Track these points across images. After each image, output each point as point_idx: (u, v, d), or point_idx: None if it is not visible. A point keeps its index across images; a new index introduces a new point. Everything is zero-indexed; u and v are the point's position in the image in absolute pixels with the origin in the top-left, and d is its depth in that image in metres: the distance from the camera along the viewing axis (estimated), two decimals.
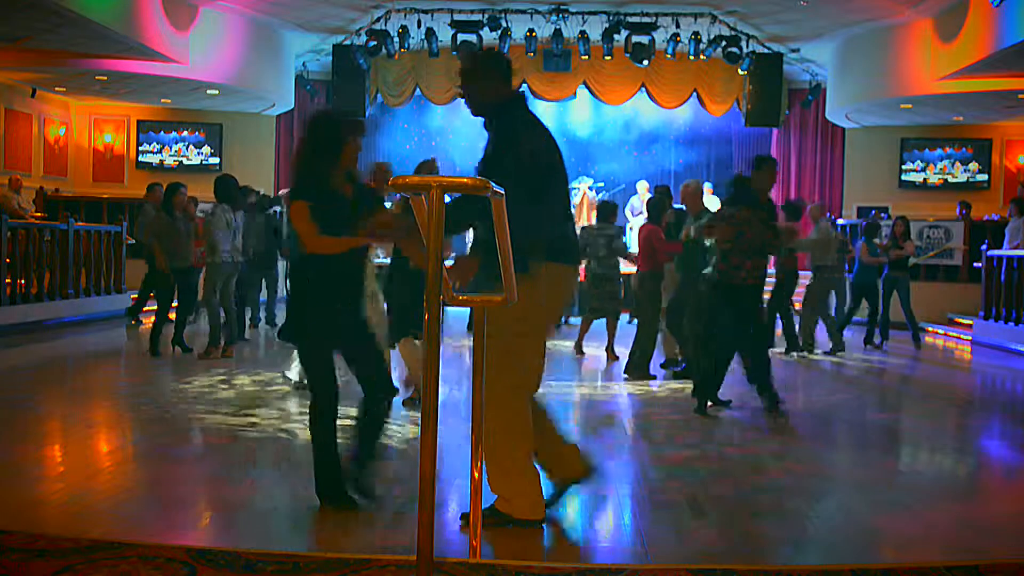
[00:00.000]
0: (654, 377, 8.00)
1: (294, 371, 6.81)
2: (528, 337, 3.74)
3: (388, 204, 6.06)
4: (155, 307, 9.11)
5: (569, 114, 18.91)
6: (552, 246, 3.72)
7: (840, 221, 15.95)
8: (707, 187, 17.27)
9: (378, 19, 15.22)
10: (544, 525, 3.74)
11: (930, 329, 13.45)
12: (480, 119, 3.88)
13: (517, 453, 3.70)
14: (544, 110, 18.96)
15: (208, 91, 15.76)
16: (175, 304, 9.04)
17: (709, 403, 6.39)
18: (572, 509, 4.05)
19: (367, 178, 6.63)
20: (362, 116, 17.31)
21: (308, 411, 3.94)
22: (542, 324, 3.87)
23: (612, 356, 9.06)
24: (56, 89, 16.27)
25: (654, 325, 8.11)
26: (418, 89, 17.39)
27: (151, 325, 8.83)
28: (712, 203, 15.41)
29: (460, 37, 15.08)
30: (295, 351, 6.76)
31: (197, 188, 13.75)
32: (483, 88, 3.79)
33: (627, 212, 16.04)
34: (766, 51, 15.97)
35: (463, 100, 3.86)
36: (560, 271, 3.80)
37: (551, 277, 3.74)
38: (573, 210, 3.88)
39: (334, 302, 3.86)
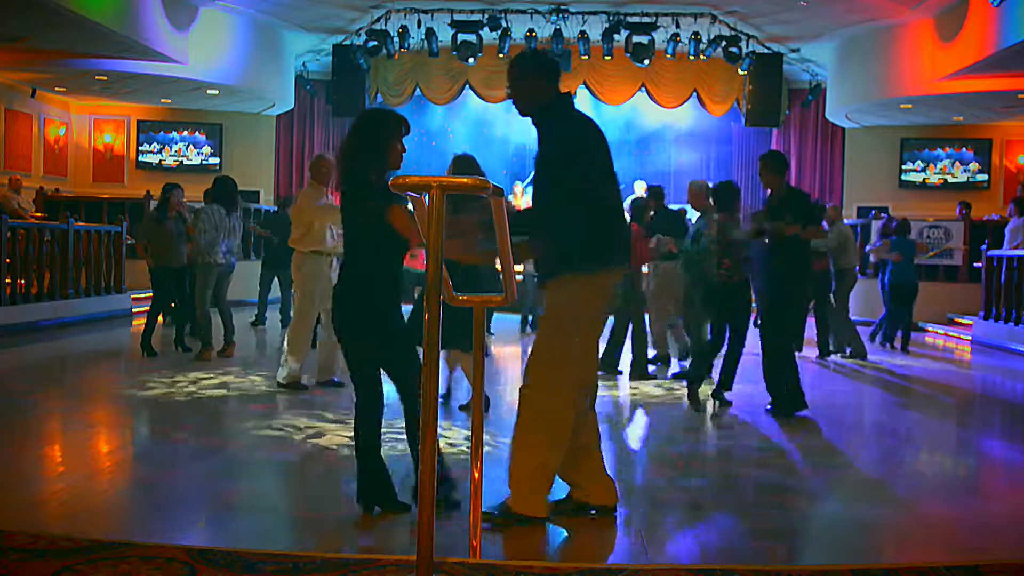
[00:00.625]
0: (654, 377, 8.02)
1: (282, 373, 6.86)
2: (576, 338, 3.76)
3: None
4: (148, 307, 9.06)
5: None
6: (596, 248, 3.70)
7: (841, 221, 15.96)
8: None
9: (378, 19, 15.22)
10: (547, 524, 3.74)
11: (930, 329, 13.45)
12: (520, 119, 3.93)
13: (547, 456, 3.71)
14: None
15: (208, 91, 15.76)
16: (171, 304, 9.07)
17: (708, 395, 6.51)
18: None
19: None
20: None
21: (353, 416, 3.85)
22: (587, 329, 3.85)
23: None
24: (56, 89, 16.27)
25: (622, 322, 8.15)
26: (418, 89, 17.38)
27: (143, 325, 8.81)
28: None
29: (460, 37, 15.08)
30: (285, 351, 6.82)
31: (197, 188, 13.76)
32: (530, 88, 3.82)
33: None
34: (766, 51, 15.97)
35: (511, 100, 3.86)
36: (602, 276, 3.78)
37: (592, 283, 3.74)
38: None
39: (386, 305, 3.80)
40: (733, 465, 5.11)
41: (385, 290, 3.80)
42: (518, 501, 3.70)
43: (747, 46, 15.42)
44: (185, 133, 17.86)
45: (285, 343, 6.95)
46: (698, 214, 7.94)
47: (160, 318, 9.04)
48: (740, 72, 16.26)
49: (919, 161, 17.46)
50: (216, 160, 17.64)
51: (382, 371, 3.85)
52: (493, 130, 18.59)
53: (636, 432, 5.94)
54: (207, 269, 8.43)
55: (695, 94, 17.21)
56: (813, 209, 6.68)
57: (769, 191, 6.67)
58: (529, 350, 3.84)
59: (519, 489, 3.71)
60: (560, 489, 3.86)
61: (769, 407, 6.41)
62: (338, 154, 3.91)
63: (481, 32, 15.04)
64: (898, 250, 10.66)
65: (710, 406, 6.62)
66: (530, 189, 18.95)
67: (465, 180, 2.35)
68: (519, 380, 3.90)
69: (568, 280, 3.71)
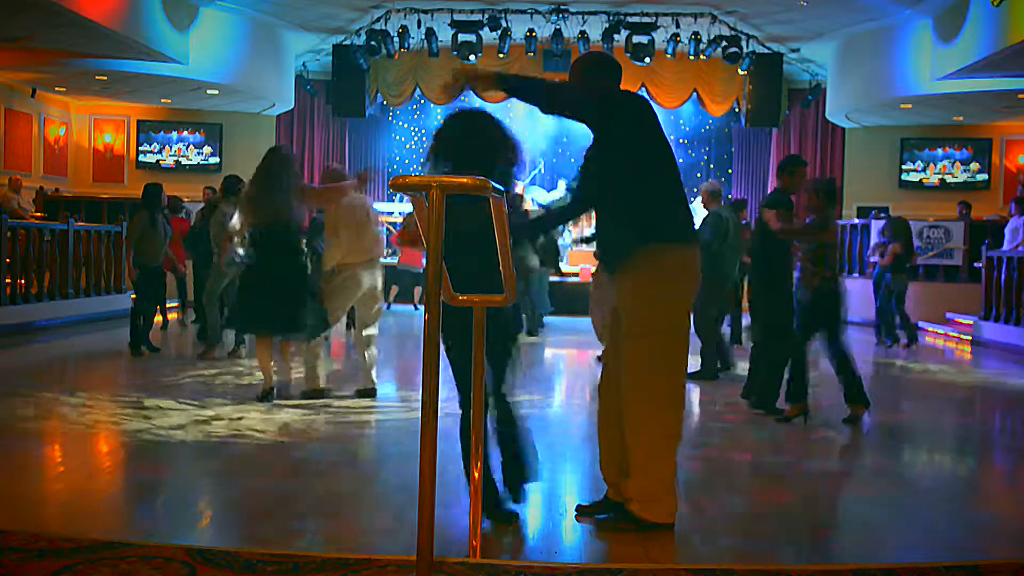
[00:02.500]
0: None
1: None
2: (670, 333, 3.64)
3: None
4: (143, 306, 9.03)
5: None
6: (667, 226, 3.63)
7: (841, 221, 15.98)
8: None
9: (378, 19, 15.23)
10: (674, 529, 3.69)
11: (930, 329, 13.45)
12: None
13: (667, 458, 3.66)
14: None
15: (208, 91, 15.77)
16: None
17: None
18: (572, 509, 4.05)
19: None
20: (362, 116, 17.33)
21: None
22: (679, 314, 3.70)
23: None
24: (56, 89, 16.27)
25: None
26: (418, 89, 17.39)
27: (131, 325, 8.81)
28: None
29: (460, 37, 15.08)
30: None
31: (197, 188, 13.77)
32: (589, 87, 3.85)
33: None
34: (766, 51, 15.97)
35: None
36: (683, 252, 3.67)
37: (675, 261, 3.64)
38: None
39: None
40: (733, 465, 5.11)
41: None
42: (650, 508, 3.62)
43: (747, 46, 15.43)
44: (185, 133, 17.86)
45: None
46: (706, 213, 8.01)
47: (158, 317, 9.05)
48: (740, 72, 16.27)
49: (919, 161, 17.46)
50: (216, 160, 17.64)
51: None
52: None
53: None
54: (219, 270, 8.47)
55: (695, 94, 17.21)
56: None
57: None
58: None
59: (652, 495, 3.61)
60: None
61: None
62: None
63: (481, 32, 15.04)
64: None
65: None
66: (532, 188, 19.06)
67: (465, 180, 2.35)
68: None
69: (656, 253, 3.60)
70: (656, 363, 3.61)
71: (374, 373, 6.78)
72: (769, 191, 17.71)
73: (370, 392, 6.68)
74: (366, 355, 6.73)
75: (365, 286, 6.58)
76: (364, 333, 6.74)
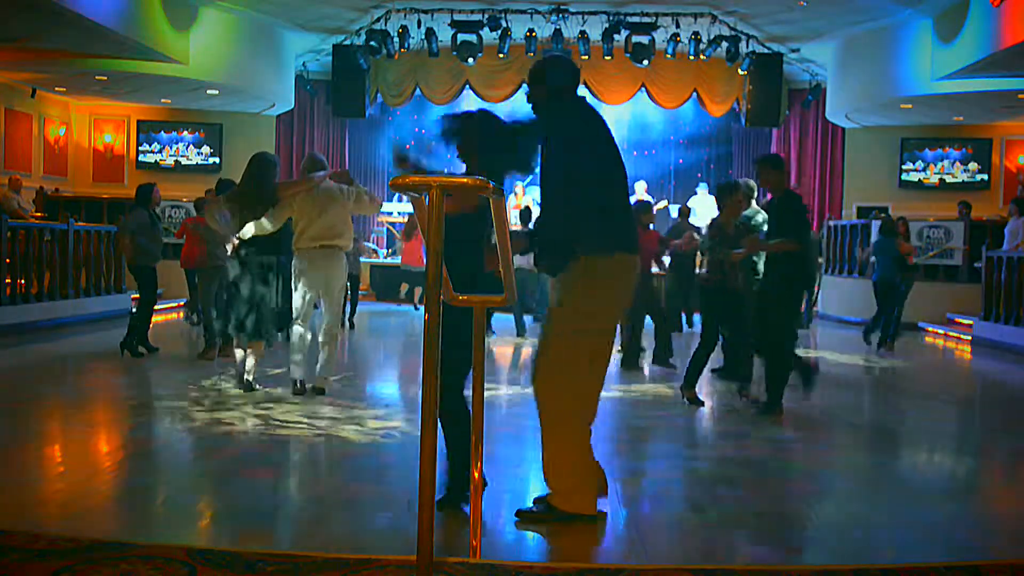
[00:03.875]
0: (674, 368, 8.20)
1: (298, 371, 6.78)
2: (588, 335, 3.75)
3: None
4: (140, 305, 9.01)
5: None
6: (602, 235, 3.71)
7: (841, 221, 15.98)
8: (703, 189, 17.30)
9: (378, 19, 15.23)
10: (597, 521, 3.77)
11: (930, 329, 13.45)
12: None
13: (581, 451, 3.76)
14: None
15: (208, 91, 15.76)
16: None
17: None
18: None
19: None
20: (362, 116, 17.33)
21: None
22: (602, 322, 3.82)
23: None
24: (56, 89, 16.27)
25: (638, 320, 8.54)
26: (418, 89, 17.39)
27: (128, 325, 8.79)
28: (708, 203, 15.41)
29: (460, 37, 15.09)
30: (297, 351, 6.80)
31: (198, 188, 13.77)
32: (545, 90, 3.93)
33: None
34: (766, 51, 15.97)
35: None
36: (613, 261, 3.76)
37: (605, 270, 3.73)
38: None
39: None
40: (733, 465, 5.10)
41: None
42: (564, 499, 3.73)
43: (747, 46, 15.43)
44: (185, 133, 17.86)
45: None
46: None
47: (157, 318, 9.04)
48: (740, 72, 16.27)
49: (919, 161, 17.45)
50: (216, 160, 17.64)
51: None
52: None
53: (634, 431, 5.94)
54: (214, 272, 8.50)
55: (695, 94, 17.21)
56: (799, 221, 6.38)
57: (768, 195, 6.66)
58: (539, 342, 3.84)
59: (563, 486, 3.74)
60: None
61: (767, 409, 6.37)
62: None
63: (481, 32, 15.04)
64: (880, 250, 10.64)
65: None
66: (532, 189, 19.06)
67: (465, 180, 2.35)
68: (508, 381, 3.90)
69: (588, 262, 3.71)
70: (570, 363, 3.72)
71: (323, 371, 6.64)
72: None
73: (319, 391, 6.58)
74: (321, 352, 6.64)
75: (319, 275, 6.42)
76: (323, 327, 6.65)
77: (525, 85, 3.92)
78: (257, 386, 6.74)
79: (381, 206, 6.87)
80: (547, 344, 3.79)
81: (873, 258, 11.28)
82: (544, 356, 3.78)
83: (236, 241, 6.49)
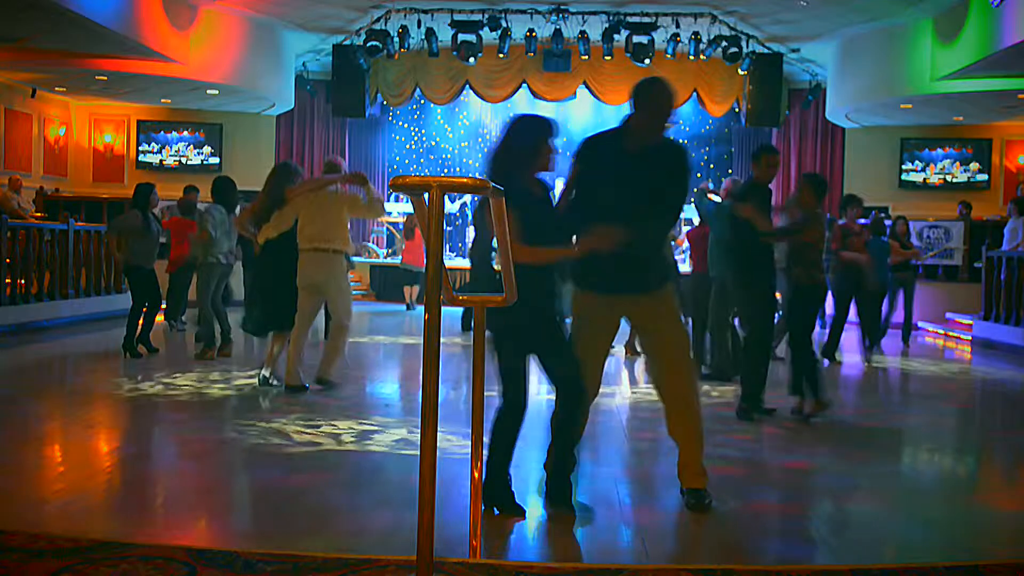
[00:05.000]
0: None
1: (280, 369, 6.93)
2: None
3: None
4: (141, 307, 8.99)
5: (569, 114, 18.91)
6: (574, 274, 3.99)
7: (841, 221, 15.95)
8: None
9: (378, 19, 15.23)
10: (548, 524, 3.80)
11: (930, 329, 13.45)
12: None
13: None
14: (544, 110, 18.97)
15: (208, 91, 15.77)
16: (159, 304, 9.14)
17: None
18: (572, 508, 4.05)
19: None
20: (362, 116, 17.33)
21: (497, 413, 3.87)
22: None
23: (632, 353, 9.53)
24: (56, 89, 16.27)
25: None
26: (418, 89, 17.39)
27: (127, 326, 8.78)
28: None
29: (460, 37, 15.08)
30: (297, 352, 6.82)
31: (198, 188, 13.72)
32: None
33: None
34: (766, 51, 15.97)
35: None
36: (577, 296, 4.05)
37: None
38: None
39: (537, 301, 3.77)
40: (733, 465, 5.10)
41: (538, 284, 3.80)
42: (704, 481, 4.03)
43: (747, 46, 15.42)
44: (185, 133, 17.87)
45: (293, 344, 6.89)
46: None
47: (161, 317, 9.05)
48: (740, 72, 16.27)
49: (919, 161, 17.45)
50: (216, 160, 17.64)
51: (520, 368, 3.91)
52: (493, 130, 18.60)
53: (634, 431, 5.94)
54: (211, 268, 8.51)
55: (695, 94, 17.21)
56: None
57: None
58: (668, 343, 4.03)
59: (702, 471, 4.04)
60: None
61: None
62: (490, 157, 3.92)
63: (481, 32, 15.04)
64: (871, 250, 10.57)
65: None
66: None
67: (465, 180, 2.35)
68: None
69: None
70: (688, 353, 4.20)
71: (323, 363, 6.78)
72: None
73: (321, 382, 6.75)
74: (329, 347, 6.85)
75: (308, 276, 6.54)
76: (332, 324, 6.90)
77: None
78: (274, 382, 6.92)
79: (382, 212, 6.89)
80: (684, 352, 4.08)
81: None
82: (687, 361, 4.08)
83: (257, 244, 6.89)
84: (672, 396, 4.03)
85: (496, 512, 3.84)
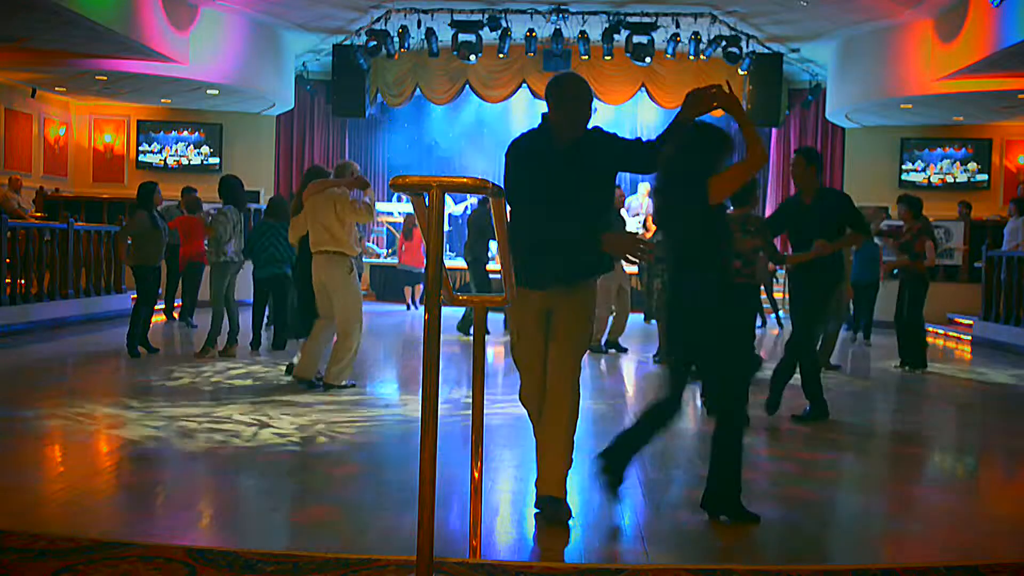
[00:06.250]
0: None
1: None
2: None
3: None
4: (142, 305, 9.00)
5: None
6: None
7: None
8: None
9: (378, 19, 15.22)
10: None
11: (930, 329, 13.45)
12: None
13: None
14: (544, 110, 18.95)
15: (208, 91, 15.76)
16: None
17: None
18: (572, 509, 4.05)
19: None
20: (362, 116, 17.33)
21: (728, 424, 3.93)
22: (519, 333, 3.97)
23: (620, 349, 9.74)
24: (56, 89, 16.27)
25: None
26: (418, 89, 17.38)
27: (130, 325, 8.79)
28: None
29: (460, 37, 15.08)
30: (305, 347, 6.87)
31: (198, 188, 13.75)
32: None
33: (623, 213, 16.07)
34: (766, 51, 15.97)
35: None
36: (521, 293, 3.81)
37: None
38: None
39: (711, 302, 3.89)
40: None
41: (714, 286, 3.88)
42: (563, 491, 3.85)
43: (747, 46, 15.42)
44: (185, 133, 17.86)
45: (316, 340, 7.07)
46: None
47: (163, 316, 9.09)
48: (740, 72, 16.26)
49: (919, 161, 17.45)
50: (216, 160, 17.63)
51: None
52: (493, 130, 18.59)
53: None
54: (225, 268, 8.63)
55: None
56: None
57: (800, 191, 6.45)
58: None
59: (562, 478, 3.84)
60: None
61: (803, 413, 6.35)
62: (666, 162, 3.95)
63: (481, 32, 15.04)
64: (861, 251, 10.54)
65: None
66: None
67: (465, 180, 2.35)
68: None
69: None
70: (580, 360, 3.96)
71: (329, 366, 6.92)
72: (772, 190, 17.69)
73: (326, 385, 6.89)
74: (336, 347, 6.98)
75: (317, 278, 6.83)
76: (315, 323, 7.05)
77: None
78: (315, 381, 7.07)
79: (370, 216, 6.94)
80: (575, 348, 3.89)
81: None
82: (574, 359, 3.87)
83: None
84: (550, 391, 3.85)
85: (727, 522, 3.84)
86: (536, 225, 3.78)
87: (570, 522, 3.81)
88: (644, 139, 3.97)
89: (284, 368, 7.63)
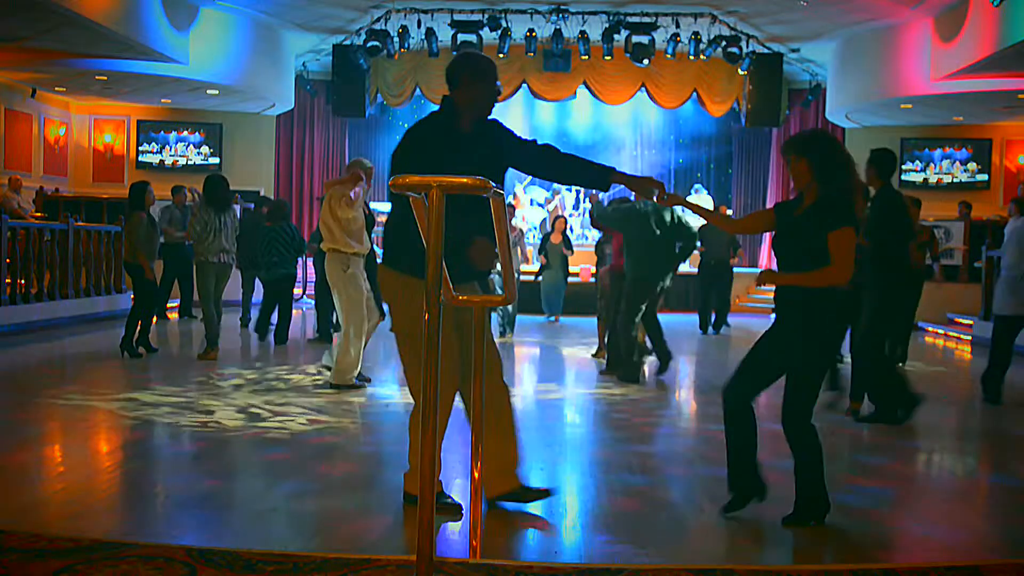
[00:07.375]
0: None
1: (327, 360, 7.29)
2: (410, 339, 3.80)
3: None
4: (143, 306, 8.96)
5: (569, 114, 18.94)
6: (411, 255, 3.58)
7: None
8: (701, 191, 17.30)
9: (378, 19, 15.23)
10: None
11: (930, 329, 13.45)
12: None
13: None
14: (544, 110, 18.98)
15: (208, 91, 15.77)
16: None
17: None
18: (572, 509, 4.05)
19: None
20: (362, 116, 17.34)
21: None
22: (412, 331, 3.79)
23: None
24: (56, 89, 16.27)
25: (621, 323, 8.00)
26: (418, 89, 17.40)
27: (127, 325, 8.75)
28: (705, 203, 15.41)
29: (460, 37, 15.09)
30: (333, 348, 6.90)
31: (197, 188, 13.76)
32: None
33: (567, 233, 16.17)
34: (766, 51, 15.97)
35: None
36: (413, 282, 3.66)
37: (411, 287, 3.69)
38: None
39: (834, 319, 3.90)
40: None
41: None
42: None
43: (747, 46, 15.43)
44: (185, 133, 17.87)
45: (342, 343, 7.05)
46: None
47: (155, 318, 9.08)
48: (740, 72, 16.28)
49: (919, 161, 17.46)
50: (216, 160, 17.64)
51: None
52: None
53: (634, 431, 5.94)
54: (206, 268, 8.49)
55: (695, 94, 17.22)
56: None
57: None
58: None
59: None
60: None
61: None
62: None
63: (481, 32, 15.05)
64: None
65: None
66: (532, 189, 19.08)
67: (465, 180, 2.34)
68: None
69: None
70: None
71: (332, 367, 7.02)
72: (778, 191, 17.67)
73: (334, 387, 6.93)
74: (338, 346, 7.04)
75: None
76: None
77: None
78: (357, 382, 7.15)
79: (351, 209, 6.92)
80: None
81: None
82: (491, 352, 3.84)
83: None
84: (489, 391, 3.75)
85: (812, 524, 3.82)
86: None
87: (565, 520, 3.81)
88: (536, 141, 3.88)
89: (314, 370, 7.78)
